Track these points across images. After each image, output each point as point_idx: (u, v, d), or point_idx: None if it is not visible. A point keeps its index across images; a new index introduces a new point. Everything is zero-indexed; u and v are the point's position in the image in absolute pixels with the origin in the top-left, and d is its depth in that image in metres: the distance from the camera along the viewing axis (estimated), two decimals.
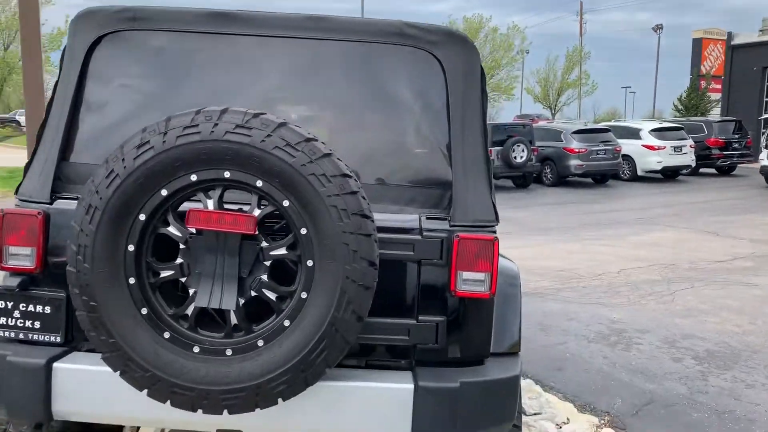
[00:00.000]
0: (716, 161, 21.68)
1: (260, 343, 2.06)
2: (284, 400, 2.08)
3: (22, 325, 2.32)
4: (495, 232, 2.36)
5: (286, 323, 2.06)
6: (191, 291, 2.09)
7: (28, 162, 2.45)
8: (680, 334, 5.84)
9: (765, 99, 30.13)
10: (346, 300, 2.00)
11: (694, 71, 36.42)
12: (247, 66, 2.49)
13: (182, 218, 2.05)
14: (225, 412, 2.07)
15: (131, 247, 2.04)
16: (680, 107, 35.84)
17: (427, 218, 2.33)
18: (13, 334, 2.33)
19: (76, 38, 2.45)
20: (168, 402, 2.06)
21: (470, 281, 2.28)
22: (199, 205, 2.05)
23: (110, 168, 2.00)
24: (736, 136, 22.01)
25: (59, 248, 2.27)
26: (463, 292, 2.29)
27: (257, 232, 2.04)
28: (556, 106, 54.65)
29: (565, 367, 5.05)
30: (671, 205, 14.99)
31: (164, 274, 2.10)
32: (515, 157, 17.34)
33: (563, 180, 18.98)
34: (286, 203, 2.01)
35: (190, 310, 2.09)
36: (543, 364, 5.04)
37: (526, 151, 17.46)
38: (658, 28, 52.16)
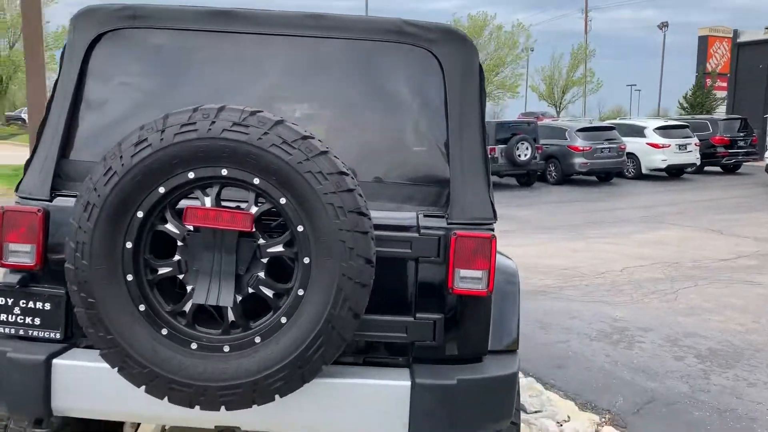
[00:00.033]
0: (721, 159, 21.61)
1: (257, 339, 2.07)
2: (281, 396, 2.08)
3: (22, 321, 2.34)
4: (493, 229, 2.36)
5: (283, 320, 2.06)
6: (189, 288, 2.10)
7: (28, 159, 2.47)
8: (683, 332, 5.83)
9: None
10: (343, 297, 2.01)
11: (700, 69, 36.32)
12: (247, 64, 2.50)
13: (180, 215, 2.06)
14: (222, 408, 2.08)
15: (129, 244, 2.05)
16: (686, 105, 35.72)
17: (425, 216, 2.34)
18: (13, 331, 2.34)
19: (76, 36, 2.46)
20: (166, 398, 2.07)
21: (468, 279, 2.29)
22: (196, 203, 2.06)
23: (108, 165, 2.01)
24: (742, 134, 21.92)
25: (59, 245, 2.28)
26: (461, 290, 2.29)
27: (254, 230, 2.05)
28: (561, 103, 54.46)
29: (566, 365, 5.05)
30: (676, 203, 14.96)
31: (162, 271, 2.11)
32: (519, 155, 17.30)
33: (567, 178, 18.93)
34: (282, 201, 2.01)
35: (187, 307, 2.10)
36: (544, 362, 5.04)
37: (530, 149, 17.42)
38: (663, 25, 52.03)
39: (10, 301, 2.33)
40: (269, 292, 2.09)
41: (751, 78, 30.52)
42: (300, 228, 2.02)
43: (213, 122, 1.98)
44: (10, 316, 2.34)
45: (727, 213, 13.21)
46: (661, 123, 21.60)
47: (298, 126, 2.04)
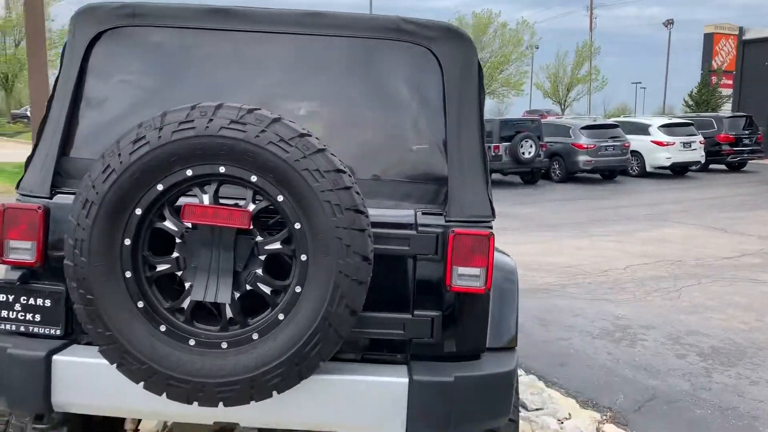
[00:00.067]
0: (726, 157, 21.54)
1: (255, 336, 2.08)
2: (279, 392, 2.09)
3: (22, 318, 2.35)
4: (491, 227, 2.36)
5: (281, 317, 2.07)
6: (187, 285, 2.11)
7: (29, 157, 2.48)
8: (685, 330, 5.82)
9: None
10: (340, 294, 2.02)
11: (705, 66, 36.14)
12: (245, 62, 2.51)
13: (178, 213, 2.08)
14: (220, 404, 2.09)
15: (128, 242, 2.06)
16: (691, 103, 35.58)
17: (423, 213, 2.34)
18: (13, 327, 2.35)
19: (76, 34, 2.47)
20: (164, 394, 2.09)
21: (466, 276, 2.29)
22: (194, 200, 2.07)
23: (106, 163, 2.03)
24: (747, 132, 21.84)
25: (59, 242, 2.29)
26: (459, 287, 2.30)
27: (252, 227, 2.06)
28: (565, 101, 54.39)
29: (568, 362, 5.05)
30: (680, 201, 14.92)
31: (160, 267, 2.12)
32: (523, 153, 17.29)
33: (572, 176, 18.90)
34: (280, 198, 2.02)
35: (185, 304, 2.11)
36: (546, 359, 5.04)
37: (534, 146, 17.41)
38: (668, 23, 51.88)
39: (10, 298, 2.35)
40: (267, 289, 2.10)
41: (757, 75, 30.37)
42: (297, 225, 2.03)
43: (211, 120, 1.99)
44: (10, 312, 2.35)
45: (732, 211, 13.18)
46: (666, 121, 21.53)
47: (296, 123, 2.04)
